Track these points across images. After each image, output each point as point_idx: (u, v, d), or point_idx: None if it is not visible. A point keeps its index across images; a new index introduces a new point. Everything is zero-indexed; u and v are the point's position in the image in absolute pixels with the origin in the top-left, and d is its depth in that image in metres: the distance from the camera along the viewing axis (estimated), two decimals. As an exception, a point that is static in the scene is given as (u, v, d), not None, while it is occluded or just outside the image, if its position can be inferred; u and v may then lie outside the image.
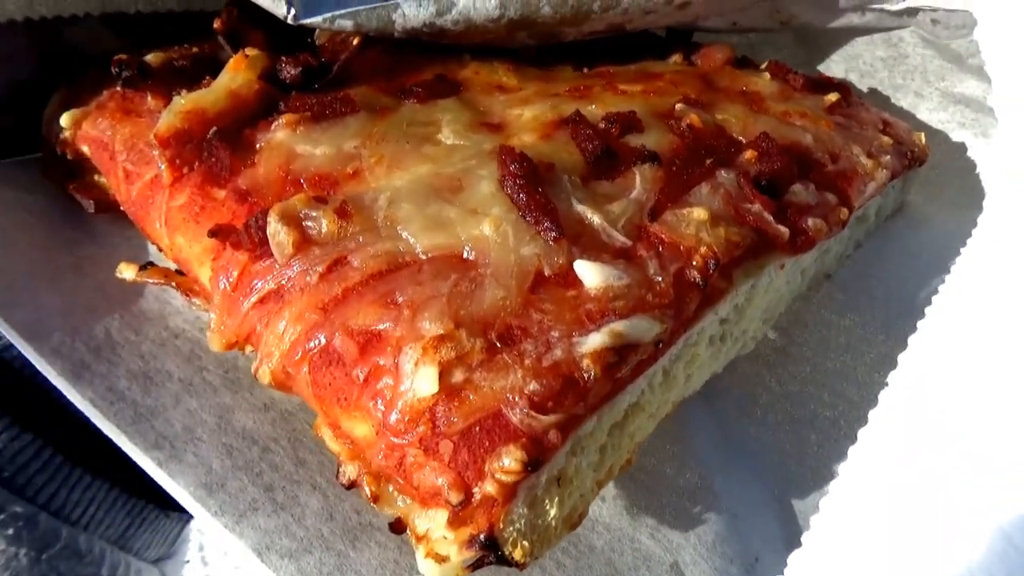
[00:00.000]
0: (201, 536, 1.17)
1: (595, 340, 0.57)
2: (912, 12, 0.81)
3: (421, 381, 0.55)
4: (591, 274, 0.60)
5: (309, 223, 0.64)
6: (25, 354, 0.71)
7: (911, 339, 0.77)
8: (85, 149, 0.86)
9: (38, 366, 0.71)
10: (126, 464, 0.68)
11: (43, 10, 0.91)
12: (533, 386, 0.54)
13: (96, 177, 0.89)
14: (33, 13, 0.90)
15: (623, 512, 0.70)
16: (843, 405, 0.77)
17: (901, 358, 0.76)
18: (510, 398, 0.54)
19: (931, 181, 0.96)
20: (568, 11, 0.79)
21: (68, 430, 0.87)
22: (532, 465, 0.52)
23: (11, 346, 0.73)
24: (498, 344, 0.57)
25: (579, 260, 0.61)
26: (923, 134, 0.87)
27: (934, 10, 0.78)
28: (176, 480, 0.64)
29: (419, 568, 0.55)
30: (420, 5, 0.80)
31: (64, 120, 0.85)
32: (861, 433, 0.72)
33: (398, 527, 0.58)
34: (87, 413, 0.69)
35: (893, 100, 0.96)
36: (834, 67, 1.00)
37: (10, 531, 0.78)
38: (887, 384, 0.75)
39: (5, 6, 0.87)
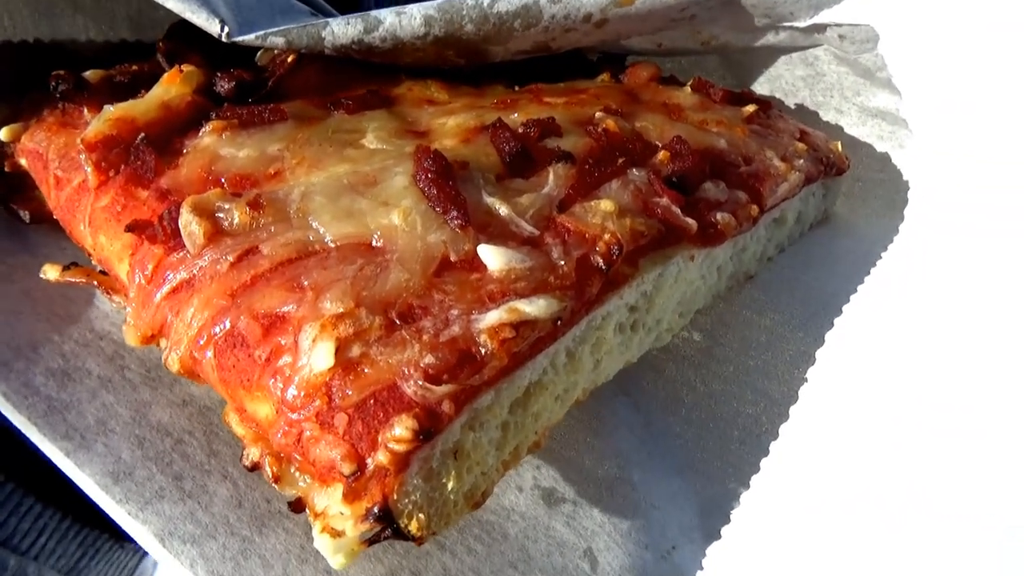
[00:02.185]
0: (157, 569, 1.14)
1: (493, 316, 0.58)
2: (821, 29, 0.84)
3: (317, 356, 0.55)
4: (494, 257, 0.61)
5: (222, 215, 0.65)
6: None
7: (829, 335, 0.78)
8: (23, 162, 0.88)
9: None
10: (79, 494, 0.67)
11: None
12: (429, 359, 0.55)
13: (36, 192, 0.90)
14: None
15: (539, 501, 0.69)
16: (765, 402, 0.77)
17: (819, 354, 0.77)
18: (405, 371, 0.55)
19: (855, 193, 0.99)
20: (490, 28, 0.82)
21: (19, 459, 0.86)
22: (424, 434, 0.52)
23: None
24: (397, 321, 0.58)
25: (483, 244, 0.62)
26: (839, 143, 0.90)
27: (839, 25, 0.82)
28: (83, 469, 0.64)
29: (315, 544, 0.54)
30: (348, 23, 0.83)
31: (3, 134, 0.87)
32: (782, 429, 0.72)
33: (298, 506, 0.58)
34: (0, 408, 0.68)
35: (816, 118, 1.00)
36: (759, 88, 1.04)
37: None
38: (807, 380, 0.76)
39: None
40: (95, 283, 0.74)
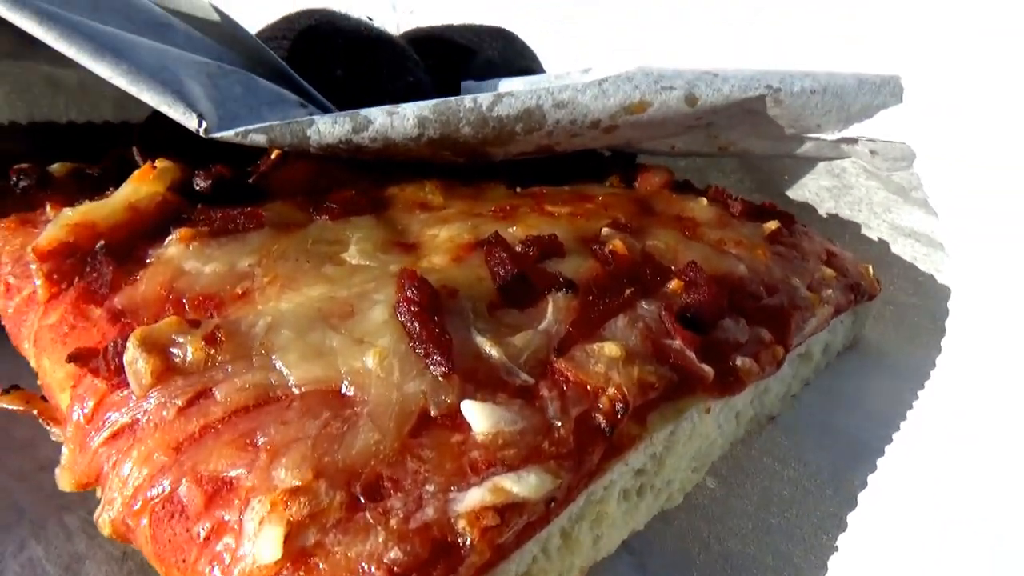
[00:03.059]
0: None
1: (474, 496, 0.49)
2: (850, 141, 0.78)
3: (263, 544, 0.47)
4: (480, 417, 0.53)
5: (175, 350, 0.57)
6: None
7: (861, 496, 0.70)
8: (-22, 260, 0.81)
9: None
10: None
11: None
12: (395, 553, 0.46)
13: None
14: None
15: None
16: (788, 570, 0.68)
17: (851, 519, 0.68)
18: (365, 568, 0.46)
19: (885, 317, 0.91)
20: (490, 132, 0.76)
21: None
22: (382, 655, 0.43)
23: None
24: (362, 499, 0.49)
25: (467, 400, 0.54)
26: (871, 266, 0.82)
27: (872, 140, 0.75)
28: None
29: None
30: (336, 122, 0.76)
31: (-42, 229, 0.80)
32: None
33: None
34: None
35: (841, 232, 0.92)
36: (779, 196, 0.96)
37: None
38: (836, 549, 0.67)
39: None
40: (34, 411, 0.66)
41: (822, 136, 0.77)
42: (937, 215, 0.72)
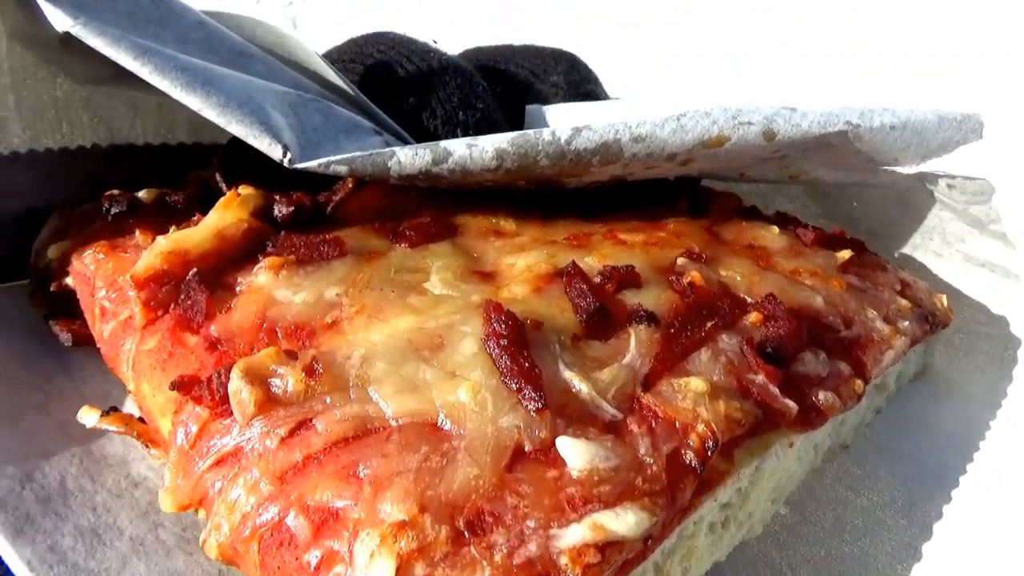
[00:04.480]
0: None
1: (575, 534, 0.50)
2: (928, 176, 0.78)
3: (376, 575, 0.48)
4: (575, 453, 0.54)
5: (276, 380, 0.60)
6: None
7: (936, 526, 0.70)
8: (70, 282, 0.84)
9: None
10: None
11: (48, 142, 0.92)
12: (501, 587, 0.48)
13: (81, 314, 0.86)
14: (38, 145, 0.91)
15: None
16: (863, 600, 0.68)
17: (926, 549, 0.69)
18: (474, 602, 0.47)
19: (956, 345, 0.90)
20: (567, 164, 0.77)
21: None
22: None
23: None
24: (466, 533, 0.50)
25: (562, 436, 0.55)
26: (944, 296, 0.82)
27: (951, 177, 0.75)
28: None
29: None
30: (416, 154, 0.78)
31: (51, 252, 0.84)
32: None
33: None
34: (20, 576, 0.62)
35: (911, 260, 0.92)
36: (847, 222, 0.96)
37: None
38: (912, 581, 0.67)
39: (10, 138, 0.87)
40: (135, 433, 0.69)
41: (898, 169, 0.78)
42: (1015, 247, 0.71)
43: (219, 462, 0.59)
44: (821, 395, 0.65)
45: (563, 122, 0.92)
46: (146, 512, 0.71)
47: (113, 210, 0.81)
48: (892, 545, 0.71)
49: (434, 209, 0.88)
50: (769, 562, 0.73)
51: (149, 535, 0.69)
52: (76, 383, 0.83)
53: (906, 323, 0.75)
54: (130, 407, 0.76)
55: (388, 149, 0.79)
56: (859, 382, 0.68)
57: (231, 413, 0.59)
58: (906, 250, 0.92)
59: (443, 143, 0.78)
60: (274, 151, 0.78)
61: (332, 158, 0.79)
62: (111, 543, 0.67)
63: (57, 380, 0.83)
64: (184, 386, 0.62)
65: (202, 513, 0.61)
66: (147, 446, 0.68)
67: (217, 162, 0.88)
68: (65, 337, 0.83)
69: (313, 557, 0.52)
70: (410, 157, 0.79)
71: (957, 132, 0.72)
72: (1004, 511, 0.68)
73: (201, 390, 0.61)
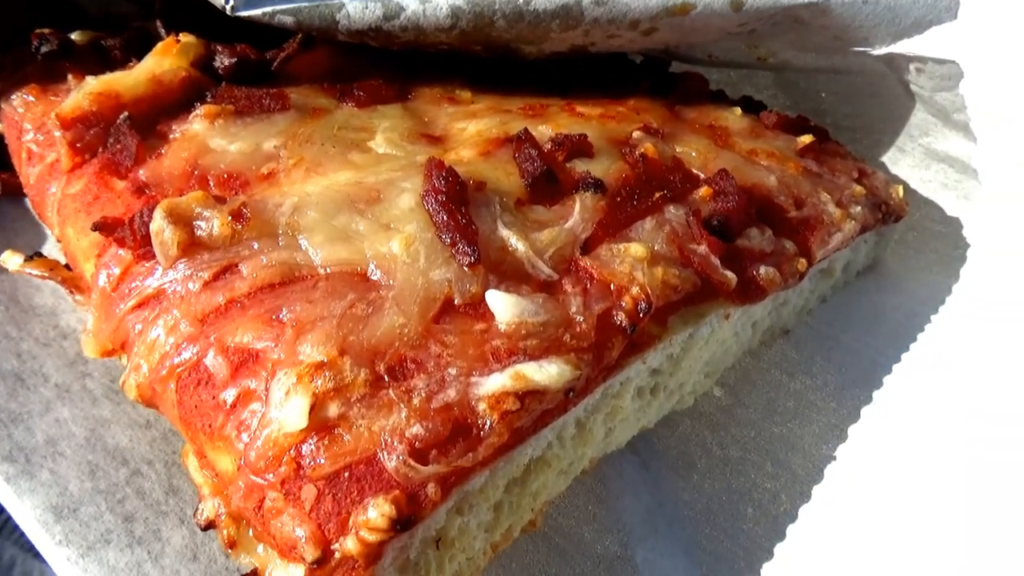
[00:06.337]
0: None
1: (495, 382, 0.50)
2: (896, 58, 0.75)
3: (289, 412, 0.48)
4: (504, 306, 0.53)
5: (201, 223, 0.57)
6: None
7: (864, 410, 0.71)
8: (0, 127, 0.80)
9: None
10: None
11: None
12: (416, 429, 0.47)
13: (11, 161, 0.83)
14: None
15: (529, 579, 0.62)
16: (786, 477, 0.70)
17: (852, 430, 0.69)
18: (388, 441, 0.47)
19: (907, 242, 0.90)
20: (524, 27, 0.73)
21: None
22: (402, 524, 0.45)
23: None
24: (386, 377, 0.50)
25: (492, 290, 0.54)
26: (901, 187, 0.81)
27: (921, 59, 0.72)
28: (22, 499, 0.57)
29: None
30: (366, 7, 0.74)
31: (-21, 95, 0.79)
32: (802, 511, 0.65)
33: (252, 576, 0.51)
34: (-61, 414, 0.61)
35: (873, 152, 0.91)
36: (815, 114, 0.94)
37: None
38: (835, 458, 0.68)
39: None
40: (59, 279, 0.67)
41: (868, 50, 0.75)
42: (976, 140, 0.70)
43: (141, 304, 0.57)
44: (762, 270, 0.64)
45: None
46: (74, 362, 0.69)
47: (43, 48, 0.76)
48: (819, 426, 0.72)
49: (386, 73, 0.84)
50: (700, 441, 0.74)
51: (76, 383, 0.67)
52: (7, 234, 0.80)
53: (858, 208, 0.74)
54: (57, 256, 0.73)
55: (337, 1, 0.74)
56: (802, 261, 0.67)
57: (154, 256, 0.57)
58: (869, 143, 0.90)
59: (395, -3, 0.74)
60: (215, -4, 0.73)
61: (277, 7, 0.75)
62: (35, 388, 0.66)
63: (-14, 230, 0.80)
64: (107, 227, 0.60)
65: (124, 359, 0.60)
66: (72, 292, 0.66)
67: (158, 8, 0.83)
68: (-6, 185, 0.79)
69: (229, 395, 0.51)
70: (360, 10, 0.74)
71: (931, 11, 0.69)
72: (931, 400, 0.69)
73: (124, 231, 0.59)
